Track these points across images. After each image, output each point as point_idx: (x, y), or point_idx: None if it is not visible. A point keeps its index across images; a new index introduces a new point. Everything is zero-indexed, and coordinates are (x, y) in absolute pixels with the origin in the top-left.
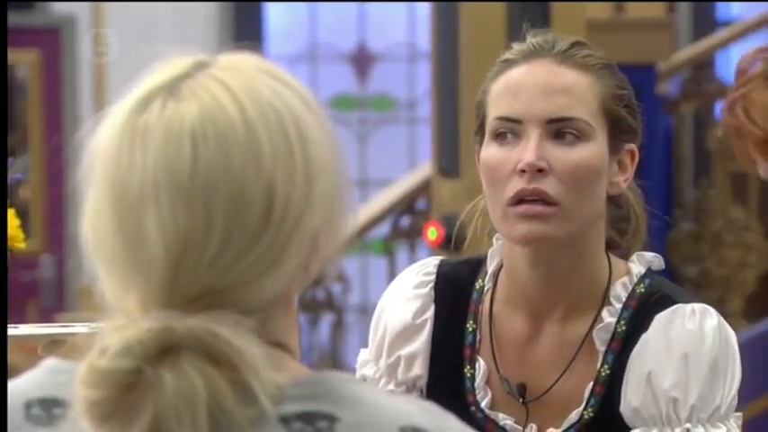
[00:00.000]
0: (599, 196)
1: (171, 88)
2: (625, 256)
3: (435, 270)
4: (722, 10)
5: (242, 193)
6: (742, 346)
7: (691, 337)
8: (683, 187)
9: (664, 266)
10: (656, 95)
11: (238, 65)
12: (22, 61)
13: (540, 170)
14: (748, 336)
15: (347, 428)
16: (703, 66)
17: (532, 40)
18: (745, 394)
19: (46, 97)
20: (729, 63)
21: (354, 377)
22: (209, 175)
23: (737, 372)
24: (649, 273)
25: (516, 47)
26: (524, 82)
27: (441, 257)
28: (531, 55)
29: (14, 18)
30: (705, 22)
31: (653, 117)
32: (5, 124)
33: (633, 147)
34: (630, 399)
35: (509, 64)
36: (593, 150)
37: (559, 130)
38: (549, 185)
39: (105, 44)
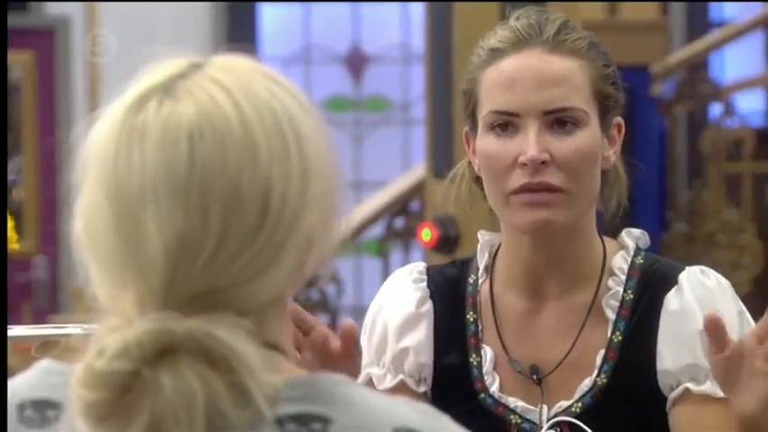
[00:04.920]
0: (597, 177)
1: (167, 88)
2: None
3: (425, 271)
4: (715, 11)
5: (238, 192)
6: None
7: (714, 290)
8: (676, 189)
9: (650, 244)
10: (649, 97)
11: (233, 65)
12: (17, 62)
13: (543, 162)
14: None
15: (341, 430)
16: (697, 67)
17: (517, 24)
18: None
19: (40, 98)
20: (723, 64)
21: (348, 379)
22: (206, 175)
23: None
24: (638, 248)
25: (501, 32)
26: (518, 74)
27: (424, 264)
28: (519, 44)
29: (9, 19)
30: (699, 23)
31: (647, 118)
32: (5, 127)
33: (620, 119)
34: (681, 357)
35: (497, 54)
36: (589, 135)
37: (557, 119)
38: (551, 176)
39: (99, 45)
